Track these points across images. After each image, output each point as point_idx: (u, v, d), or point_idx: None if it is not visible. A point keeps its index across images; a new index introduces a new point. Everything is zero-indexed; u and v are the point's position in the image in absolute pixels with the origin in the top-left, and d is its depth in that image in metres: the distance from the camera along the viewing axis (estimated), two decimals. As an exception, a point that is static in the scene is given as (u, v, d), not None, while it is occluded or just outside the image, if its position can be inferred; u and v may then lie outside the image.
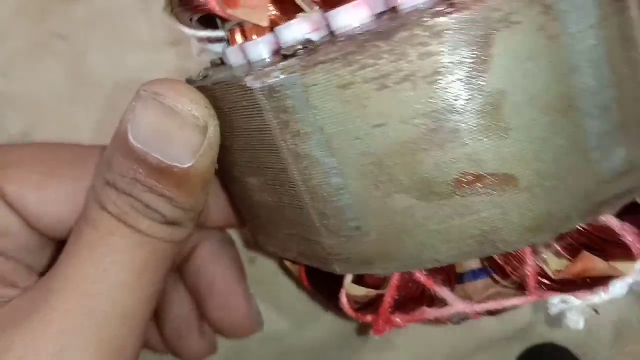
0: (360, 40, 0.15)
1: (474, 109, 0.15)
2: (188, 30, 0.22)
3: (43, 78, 0.32)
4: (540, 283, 0.19)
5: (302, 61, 0.16)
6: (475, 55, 0.15)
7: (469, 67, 0.15)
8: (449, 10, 0.15)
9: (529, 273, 0.19)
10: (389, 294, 0.21)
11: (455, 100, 0.15)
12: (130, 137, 0.18)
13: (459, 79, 0.15)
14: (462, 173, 0.16)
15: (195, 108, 0.18)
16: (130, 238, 0.18)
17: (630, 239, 0.19)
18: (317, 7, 0.18)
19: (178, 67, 0.32)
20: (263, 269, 0.30)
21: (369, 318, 0.22)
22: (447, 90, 0.15)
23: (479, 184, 0.16)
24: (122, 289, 0.18)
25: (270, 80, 0.17)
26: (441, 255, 0.18)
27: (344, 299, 0.22)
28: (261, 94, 0.17)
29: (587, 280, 0.19)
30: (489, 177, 0.16)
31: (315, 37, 0.17)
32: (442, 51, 0.15)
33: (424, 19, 0.15)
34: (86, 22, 0.32)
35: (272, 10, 0.19)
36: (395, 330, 0.33)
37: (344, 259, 0.19)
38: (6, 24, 0.32)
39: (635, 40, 0.16)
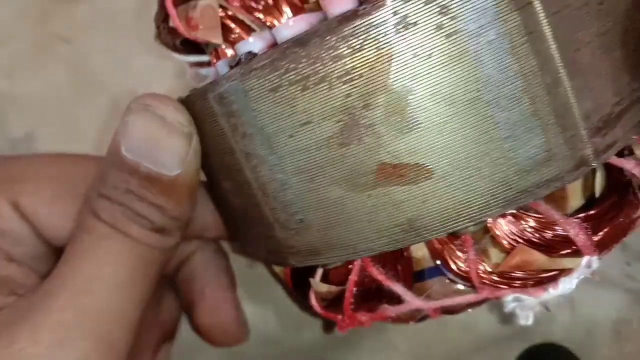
0: (283, 47, 0.18)
1: (383, 104, 0.17)
2: (178, 56, 0.25)
3: (46, 80, 0.33)
4: (484, 278, 0.20)
5: (241, 69, 0.19)
6: (379, 55, 0.17)
7: (374, 66, 0.17)
8: (353, 16, 0.17)
9: (470, 266, 0.20)
10: (349, 290, 0.22)
11: (366, 97, 0.17)
12: (123, 150, 0.20)
13: (367, 78, 0.17)
14: (381, 165, 0.18)
15: (180, 117, 0.20)
16: (122, 243, 0.20)
17: (576, 234, 0.19)
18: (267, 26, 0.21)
19: (180, 69, 0.33)
20: (262, 273, 0.32)
21: (336, 316, 0.23)
22: (359, 88, 0.17)
23: (397, 175, 0.18)
24: (114, 288, 0.19)
25: (220, 89, 0.19)
26: (374, 244, 0.19)
27: (312, 298, 0.24)
28: (214, 102, 0.20)
29: (533, 275, 0.20)
30: (405, 168, 0.17)
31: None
32: (349, 53, 0.17)
33: (333, 25, 0.17)
34: (88, 24, 0.32)
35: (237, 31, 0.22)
36: (394, 330, 0.33)
37: (295, 252, 0.21)
38: (9, 26, 0.32)
39: (541, 33, 0.17)
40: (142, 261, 0.20)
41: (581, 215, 0.20)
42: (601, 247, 0.20)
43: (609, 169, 0.21)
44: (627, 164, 0.21)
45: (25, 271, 0.22)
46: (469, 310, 0.22)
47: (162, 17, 0.22)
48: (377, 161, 0.18)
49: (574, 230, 0.19)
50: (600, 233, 0.20)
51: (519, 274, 0.20)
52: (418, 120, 0.17)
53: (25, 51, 0.33)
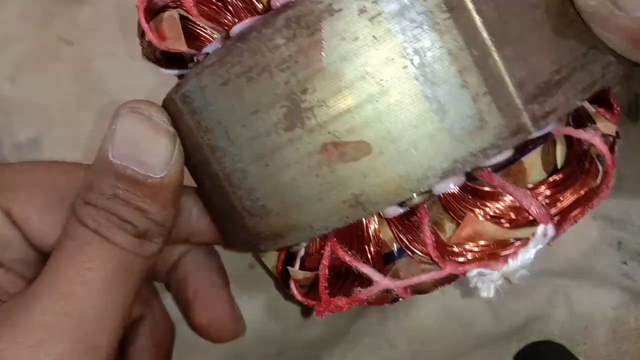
0: (228, 44, 0.19)
1: (319, 88, 0.18)
2: (164, 71, 0.27)
3: (50, 84, 0.33)
4: (440, 251, 0.20)
5: (197, 69, 0.20)
6: (310, 42, 0.18)
7: (307, 53, 0.18)
8: (284, 8, 0.18)
9: (427, 242, 0.20)
10: (322, 274, 0.23)
11: (304, 81, 0.18)
12: (110, 156, 0.21)
13: (302, 64, 0.18)
14: (324, 145, 0.19)
15: (164, 117, 0.22)
16: (105, 249, 0.20)
17: (529, 203, 0.20)
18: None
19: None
20: (262, 273, 0.33)
21: (314, 302, 0.24)
22: (296, 75, 0.18)
23: (339, 153, 0.19)
24: (96, 293, 0.20)
25: (182, 89, 0.21)
26: (328, 222, 0.20)
27: (292, 285, 0.25)
28: (180, 102, 0.21)
29: (488, 247, 0.20)
30: (346, 146, 0.18)
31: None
32: (284, 43, 0.18)
33: (268, 19, 0.18)
34: (92, 27, 0.32)
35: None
36: (393, 329, 0.33)
37: (263, 237, 0.22)
38: (12, 30, 0.32)
39: (464, 8, 0.17)
40: (124, 267, 0.21)
41: (535, 185, 0.20)
42: (561, 216, 0.20)
43: (570, 140, 0.22)
44: (583, 134, 0.21)
45: (12, 277, 0.23)
46: (439, 288, 0.23)
47: (140, 32, 0.24)
48: (320, 142, 0.19)
49: (527, 199, 0.19)
50: (558, 203, 0.20)
51: (473, 245, 0.20)
52: (352, 101, 0.18)
53: (30, 55, 0.33)
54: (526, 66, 0.18)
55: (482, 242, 0.20)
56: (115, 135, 0.21)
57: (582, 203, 0.20)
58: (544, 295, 0.32)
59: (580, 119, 0.22)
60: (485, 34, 0.18)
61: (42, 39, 0.33)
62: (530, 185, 0.21)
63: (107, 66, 0.33)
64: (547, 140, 0.22)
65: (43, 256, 0.24)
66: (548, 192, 0.20)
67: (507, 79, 0.18)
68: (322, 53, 0.18)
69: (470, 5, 0.17)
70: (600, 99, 0.24)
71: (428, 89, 0.18)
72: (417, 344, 0.34)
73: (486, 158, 0.18)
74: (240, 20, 0.22)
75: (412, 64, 0.18)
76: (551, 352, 0.30)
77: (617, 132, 0.22)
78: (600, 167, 0.20)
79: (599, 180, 0.20)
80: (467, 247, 0.20)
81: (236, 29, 0.21)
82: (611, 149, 0.21)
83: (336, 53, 0.18)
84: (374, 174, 0.18)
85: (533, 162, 0.21)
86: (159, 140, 0.21)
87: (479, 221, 0.20)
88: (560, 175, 0.20)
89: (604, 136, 0.21)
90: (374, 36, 0.17)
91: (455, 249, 0.20)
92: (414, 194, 0.18)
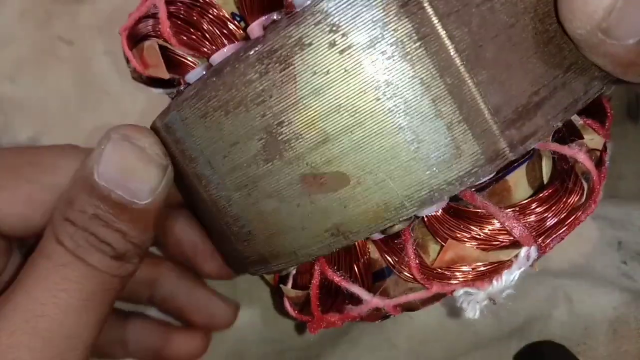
0: (204, 78, 0.19)
1: (295, 121, 0.18)
2: (154, 90, 0.27)
3: (50, 84, 0.32)
4: (423, 274, 0.20)
5: (177, 100, 0.20)
6: (283, 76, 0.18)
7: (280, 87, 0.18)
8: (256, 43, 0.18)
9: (411, 264, 0.20)
10: (313, 294, 0.23)
11: (280, 114, 0.18)
12: (96, 177, 0.20)
13: (277, 98, 0.18)
14: (303, 176, 0.19)
15: (158, 149, 0.21)
16: (81, 270, 0.20)
17: (511, 226, 0.20)
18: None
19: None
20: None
21: (307, 318, 0.25)
22: (271, 108, 0.18)
23: (318, 184, 0.19)
24: (69, 313, 0.20)
25: (165, 120, 0.21)
26: (311, 249, 0.20)
27: (286, 302, 0.25)
28: (164, 131, 0.22)
29: (472, 269, 0.20)
30: (324, 177, 0.19)
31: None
32: (257, 78, 0.18)
33: (241, 54, 0.18)
34: (91, 26, 0.32)
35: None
36: (393, 329, 0.34)
37: (251, 261, 0.22)
38: (12, 29, 0.32)
39: (436, 36, 0.17)
40: (99, 288, 0.21)
41: (518, 206, 0.20)
42: (545, 236, 0.20)
43: (556, 154, 0.21)
44: (568, 150, 0.20)
45: None
46: (429, 306, 0.23)
47: (126, 58, 0.25)
48: (298, 173, 0.19)
49: (509, 221, 0.19)
50: (541, 223, 0.20)
51: (457, 268, 0.20)
52: (327, 132, 0.18)
53: (29, 55, 0.32)
54: (503, 90, 0.18)
55: (464, 267, 0.20)
56: (103, 158, 0.21)
57: (567, 221, 0.20)
58: (544, 295, 0.32)
59: (567, 132, 0.22)
60: (458, 61, 0.17)
61: (41, 39, 0.33)
62: (515, 203, 0.21)
63: (107, 66, 0.33)
64: (532, 156, 0.21)
65: (8, 244, 0.24)
66: (531, 213, 0.20)
67: (482, 105, 0.18)
68: (295, 87, 0.18)
69: (442, 33, 0.17)
70: (592, 106, 0.24)
71: (402, 120, 0.18)
72: (417, 344, 0.34)
73: (463, 186, 0.18)
74: (218, 47, 0.22)
75: (385, 95, 0.17)
76: (551, 352, 0.30)
77: (605, 146, 0.21)
78: (585, 185, 0.20)
79: (584, 199, 0.20)
80: (451, 270, 0.20)
81: (215, 58, 0.21)
82: (599, 163, 0.21)
83: (309, 86, 0.18)
84: (353, 204, 0.19)
85: (518, 180, 0.21)
86: (149, 171, 0.21)
87: (460, 246, 0.20)
88: (545, 194, 0.20)
89: (590, 151, 0.21)
90: (345, 69, 0.17)
91: (440, 271, 0.20)
92: (391, 224, 0.19)
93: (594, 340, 0.30)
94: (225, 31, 0.21)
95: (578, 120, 0.22)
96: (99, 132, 0.33)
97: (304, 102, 0.18)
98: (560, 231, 0.20)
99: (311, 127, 0.18)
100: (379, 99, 0.17)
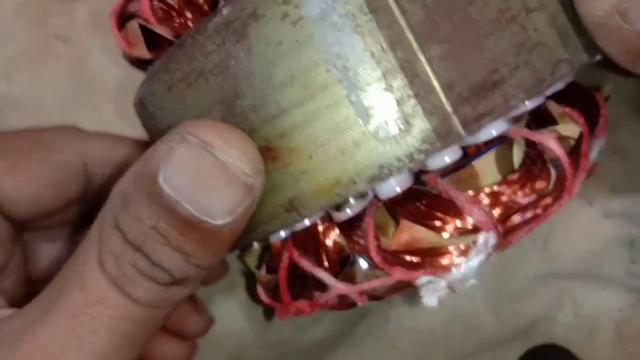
0: (171, 51, 0.20)
1: (250, 93, 0.18)
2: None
3: (46, 81, 0.32)
4: (381, 256, 0.20)
5: (148, 75, 0.21)
6: (238, 48, 0.18)
7: (236, 58, 0.18)
8: (213, 15, 0.18)
9: (369, 247, 0.20)
10: (281, 277, 0.23)
11: (236, 86, 0.19)
12: (161, 180, 0.16)
13: (233, 69, 0.18)
14: (259, 148, 0.19)
15: (248, 164, 0.17)
16: (119, 309, 0.17)
17: (470, 209, 0.19)
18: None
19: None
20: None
21: (277, 304, 0.24)
22: (228, 79, 0.19)
23: (272, 158, 0.19)
24: (96, 357, 0.17)
25: (138, 96, 0.22)
26: (269, 225, 0.20)
27: (258, 287, 0.25)
28: (139, 107, 0.22)
29: (427, 253, 0.19)
30: (278, 150, 0.19)
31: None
32: (215, 49, 0.18)
33: (201, 26, 0.19)
34: (87, 24, 0.31)
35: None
36: (396, 332, 0.33)
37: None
38: (6, 26, 0.31)
39: (388, 9, 0.17)
40: (138, 327, 0.17)
41: (482, 192, 0.19)
42: (508, 224, 0.19)
43: (528, 142, 0.20)
44: (537, 136, 0.20)
45: None
46: (395, 295, 0.22)
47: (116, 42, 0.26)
48: (257, 145, 0.19)
49: (468, 205, 0.19)
50: (504, 209, 0.19)
51: (411, 252, 0.19)
52: (281, 106, 0.18)
53: (25, 52, 0.32)
54: (458, 66, 0.17)
55: (420, 248, 0.19)
56: (173, 160, 0.16)
57: (534, 209, 0.19)
58: (549, 297, 0.31)
59: (543, 119, 0.21)
60: (410, 35, 0.17)
61: (37, 37, 0.33)
62: (484, 190, 0.20)
63: (103, 63, 0.33)
64: (504, 142, 0.21)
65: (19, 230, 0.23)
66: (493, 197, 0.19)
67: (434, 81, 0.17)
68: (250, 58, 0.18)
69: (394, 6, 0.17)
70: (583, 99, 0.23)
71: (352, 93, 0.17)
72: (421, 347, 0.33)
73: (413, 163, 0.17)
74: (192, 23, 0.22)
75: (335, 67, 0.17)
76: (556, 355, 0.29)
77: (582, 135, 0.20)
78: (553, 172, 0.19)
79: (550, 186, 0.19)
80: (408, 254, 0.19)
81: (189, 35, 0.22)
82: (573, 152, 0.20)
83: (263, 58, 0.18)
84: (305, 178, 0.18)
85: (486, 167, 0.20)
86: (231, 191, 0.17)
87: (414, 227, 0.19)
88: (509, 179, 0.19)
89: (562, 138, 0.20)
90: (297, 40, 0.17)
91: (402, 257, 0.20)
92: (348, 198, 0.18)
93: (599, 342, 0.29)
94: (199, 10, 0.22)
95: (557, 109, 0.21)
96: (95, 129, 0.31)
97: (259, 74, 0.18)
98: (528, 220, 0.19)
99: (265, 99, 0.18)
100: (329, 71, 0.17)
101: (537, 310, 0.31)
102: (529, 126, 0.21)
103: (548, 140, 0.19)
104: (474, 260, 0.19)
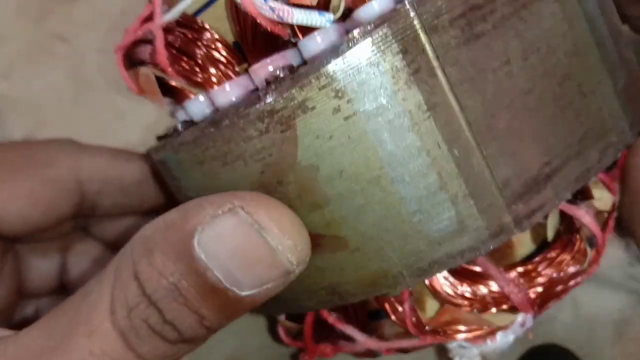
0: (202, 127, 0.18)
1: (294, 181, 0.17)
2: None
3: (44, 81, 0.32)
4: (418, 329, 0.20)
5: (173, 142, 0.20)
6: (284, 137, 0.17)
7: (281, 147, 0.17)
8: (256, 100, 0.17)
9: (406, 320, 0.20)
10: (307, 329, 0.23)
11: (280, 174, 0.18)
12: (196, 242, 0.15)
13: (277, 157, 0.17)
14: (302, 234, 0.18)
15: (297, 256, 0.16)
16: None
17: (510, 291, 0.19)
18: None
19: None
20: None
21: (301, 344, 0.25)
22: (271, 166, 0.18)
23: (315, 244, 0.18)
24: None
25: (160, 156, 0.20)
26: (305, 303, 0.20)
27: (280, 331, 0.25)
28: (159, 165, 0.21)
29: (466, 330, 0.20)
30: (322, 238, 0.18)
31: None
32: (257, 136, 0.17)
33: (241, 109, 0.17)
34: (86, 23, 0.31)
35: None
36: None
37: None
38: (6, 26, 0.31)
39: (447, 105, 0.16)
40: None
41: (519, 269, 0.20)
42: (542, 298, 0.20)
43: (562, 211, 0.21)
44: (575, 211, 0.20)
45: None
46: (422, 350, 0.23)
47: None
48: None
49: (509, 287, 0.19)
50: (540, 287, 0.19)
51: (451, 328, 0.20)
52: (328, 197, 0.17)
53: (24, 51, 0.31)
54: (513, 162, 0.17)
55: (459, 328, 0.20)
56: (215, 228, 0.16)
57: (566, 283, 0.20)
58: None
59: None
60: (468, 133, 0.16)
61: (36, 36, 0.32)
62: (517, 259, 0.20)
63: (102, 63, 0.32)
64: (539, 212, 0.21)
65: (6, 245, 0.22)
66: (531, 279, 0.19)
67: (490, 179, 0.17)
68: (295, 149, 0.17)
69: (454, 102, 0.16)
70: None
71: (405, 191, 0.17)
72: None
73: (465, 260, 0.17)
74: (210, 76, 0.21)
75: (389, 165, 0.17)
76: (556, 355, 0.30)
77: (613, 205, 0.21)
78: (589, 251, 0.20)
79: (586, 264, 0.20)
80: (445, 329, 0.20)
81: (218, 95, 0.20)
82: (606, 223, 0.21)
83: (311, 150, 0.17)
84: (350, 268, 0.18)
85: (521, 237, 0.21)
86: (270, 272, 0.16)
87: (457, 310, 0.19)
88: (547, 255, 0.20)
89: (598, 214, 0.20)
90: (349, 136, 0.17)
91: (428, 329, 0.20)
92: (387, 291, 0.18)
93: (599, 342, 0.30)
94: (223, 61, 0.20)
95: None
96: (94, 129, 0.32)
97: (305, 164, 0.17)
98: (558, 295, 0.20)
99: (311, 189, 0.17)
100: (382, 168, 0.17)
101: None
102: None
103: (585, 217, 0.19)
104: (510, 337, 0.19)
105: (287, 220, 0.16)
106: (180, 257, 0.15)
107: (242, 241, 0.16)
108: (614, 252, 0.33)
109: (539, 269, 0.20)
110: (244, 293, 0.16)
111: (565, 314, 0.32)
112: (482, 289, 0.19)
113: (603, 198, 0.21)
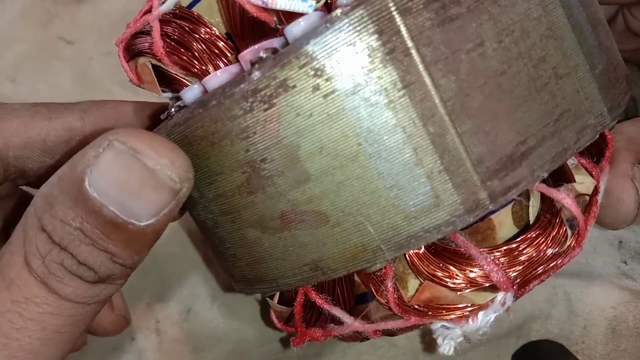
0: (191, 108, 0.19)
1: (277, 158, 0.18)
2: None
3: (50, 83, 0.32)
4: (401, 308, 0.21)
5: (167, 125, 0.21)
6: (267, 116, 0.18)
7: (264, 125, 0.18)
8: (241, 80, 0.18)
9: (389, 297, 0.21)
10: (297, 311, 0.24)
11: (263, 151, 0.18)
12: (87, 184, 0.16)
13: (260, 135, 0.18)
14: (283, 211, 0.19)
15: (176, 172, 0.17)
16: (48, 306, 0.17)
17: (491, 270, 0.20)
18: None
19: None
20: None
21: (292, 329, 0.25)
22: (255, 144, 0.18)
23: (298, 221, 0.19)
24: (25, 354, 0.17)
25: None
26: (290, 280, 0.20)
27: (272, 315, 0.26)
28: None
29: (446, 308, 0.20)
30: (304, 214, 0.19)
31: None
32: (242, 115, 0.18)
33: (226, 89, 0.18)
34: (92, 26, 0.32)
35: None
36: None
37: (236, 280, 0.23)
38: (13, 29, 0.32)
39: (421, 84, 0.17)
40: (68, 322, 0.17)
41: (501, 249, 0.20)
42: (523, 279, 0.20)
43: (544, 195, 0.21)
44: (556, 194, 0.20)
45: None
46: (409, 332, 0.23)
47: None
48: (280, 208, 0.19)
49: (488, 265, 0.19)
50: (520, 266, 0.20)
51: (433, 306, 0.20)
52: (309, 173, 0.18)
53: (30, 54, 0.32)
54: (488, 140, 0.18)
55: (441, 306, 0.20)
56: (99, 165, 0.17)
57: (547, 264, 0.20)
58: (544, 294, 0.32)
59: (558, 172, 0.21)
60: (442, 110, 0.17)
61: (42, 39, 0.33)
62: (498, 242, 0.21)
63: (107, 65, 0.33)
64: (520, 194, 0.21)
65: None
66: (512, 258, 0.20)
67: (464, 155, 0.17)
68: (278, 126, 0.18)
69: (428, 81, 0.17)
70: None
71: (382, 166, 0.18)
72: (417, 343, 0.35)
73: (441, 234, 0.18)
74: (207, 66, 0.22)
75: (366, 141, 0.17)
76: (550, 351, 0.30)
77: (596, 189, 0.21)
78: (569, 232, 0.20)
79: (566, 246, 0.20)
80: (427, 308, 0.20)
81: (210, 80, 0.21)
82: (588, 206, 0.21)
83: (292, 127, 0.18)
84: (331, 243, 0.19)
85: (503, 219, 0.21)
86: (157, 195, 0.17)
87: (437, 287, 0.20)
88: (529, 236, 0.20)
89: (579, 196, 0.20)
90: (328, 113, 0.17)
91: (417, 307, 0.21)
92: (368, 265, 0.19)
93: (592, 339, 0.30)
94: (216, 52, 0.21)
95: (572, 161, 0.22)
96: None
97: (287, 141, 0.18)
98: (539, 277, 0.20)
99: (293, 166, 0.18)
100: (360, 144, 0.17)
101: (532, 308, 0.32)
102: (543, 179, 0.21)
103: (566, 199, 0.20)
104: (491, 316, 0.20)
105: (158, 142, 0.17)
106: (77, 202, 0.17)
107: (123, 169, 0.17)
108: (608, 250, 0.33)
109: (520, 248, 0.20)
110: (142, 223, 0.17)
111: (559, 310, 0.32)
112: (463, 267, 0.20)
113: (585, 182, 0.21)
